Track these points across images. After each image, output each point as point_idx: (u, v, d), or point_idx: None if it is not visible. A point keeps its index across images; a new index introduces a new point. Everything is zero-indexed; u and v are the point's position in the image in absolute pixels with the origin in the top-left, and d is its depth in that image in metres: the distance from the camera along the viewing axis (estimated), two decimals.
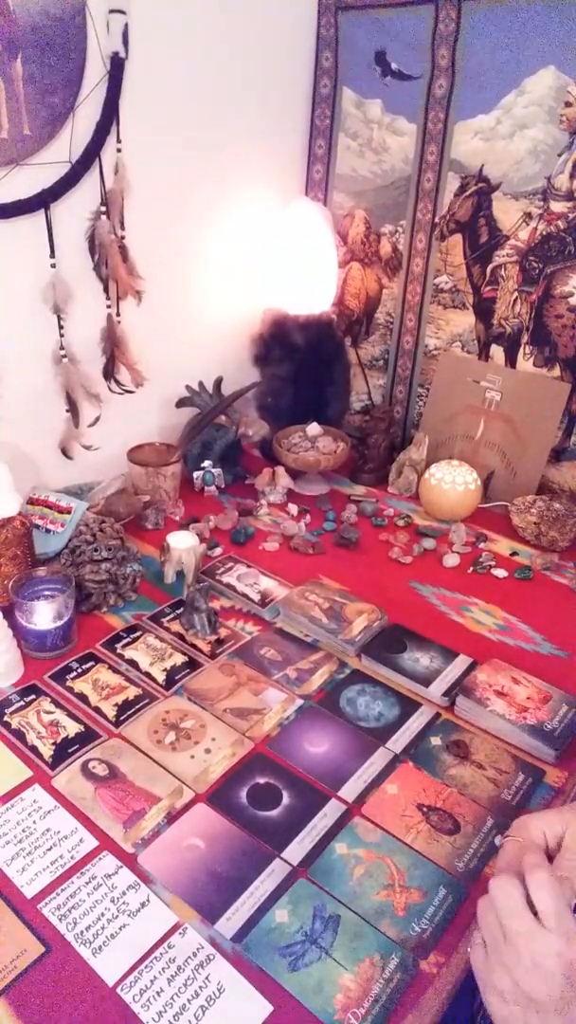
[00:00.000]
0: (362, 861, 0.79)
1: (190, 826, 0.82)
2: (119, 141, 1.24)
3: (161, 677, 1.03)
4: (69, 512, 1.26)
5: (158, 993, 0.68)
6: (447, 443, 1.55)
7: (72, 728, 0.94)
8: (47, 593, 1.07)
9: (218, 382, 1.54)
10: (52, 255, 1.23)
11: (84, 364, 1.36)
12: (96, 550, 1.14)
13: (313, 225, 1.50)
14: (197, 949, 0.71)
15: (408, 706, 1.00)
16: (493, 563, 1.30)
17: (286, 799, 0.86)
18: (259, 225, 1.56)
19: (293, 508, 1.46)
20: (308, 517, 1.43)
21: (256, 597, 1.19)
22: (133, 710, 0.97)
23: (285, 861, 0.79)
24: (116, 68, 1.18)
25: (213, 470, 1.50)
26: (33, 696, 0.99)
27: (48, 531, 1.25)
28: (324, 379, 1.58)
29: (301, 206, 1.51)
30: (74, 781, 0.87)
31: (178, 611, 1.16)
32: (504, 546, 1.37)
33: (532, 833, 0.67)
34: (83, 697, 0.99)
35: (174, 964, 0.70)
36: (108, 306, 1.35)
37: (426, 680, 1.03)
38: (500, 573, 1.28)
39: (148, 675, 1.03)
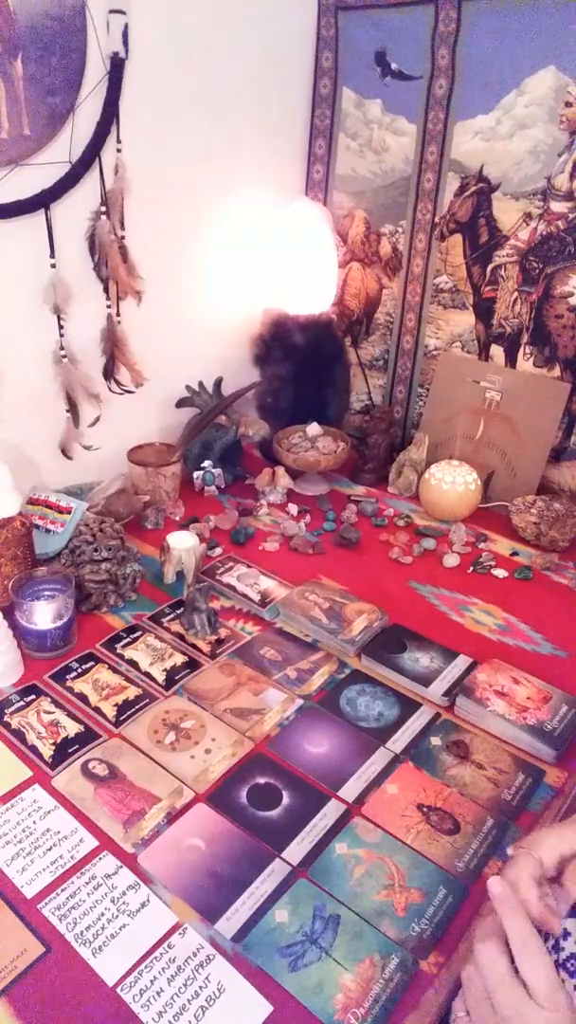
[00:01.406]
0: (362, 861, 0.79)
1: (190, 826, 0.82)
2: (119, 141, 1.24)
3: (161, 677, 1.03)
4: (69, 512, 1.26)
5: (158, 993, 0.68)
6: (447, 443, 1.55)
7: (72, 728, 0.94)
8: (47, 593, 1.07)
9: (218, 382, 1.54)
10: (52, 255, 1.23)
11: (84, 364, 1.36)
12: (96, 550, 1.14)
13: (313, 225, 1.50)
14: (197, 949, 0.71)
15: (408, 706, 1.00)
16: (493, 563, 1.30)
17: (286, 799, 0.86)
18: (259, 225, 1.56)
19: (293, 508, 1.46)
20: (308, 517, 1.44)
21: (256, 597, 1.19)
22: (133, 710, 0.97)
23: (285, 861, 0.79)
24: (116, 68, 1.18)
25: (213, 470, 1.50)
26: (33, 696, 0.99)
27: (48, 531, 1.25)
28: (324, 379, 1.58)
29: (301, 206, 1.51)
30: (74, 781, 0.87)
31: (178, 611, 1.16)
32: (504, 546, 1.37)
33: (544, 849, 0.65)
34: (83, 697, 0.99)
35: (174, 964, 0.70)
36: (108, 306, 1.35)
37: (426, 680, 1.03)
38: (500, 573, 1.28)
39: (148, 675, 1.03)
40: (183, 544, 1.19)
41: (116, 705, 0.98)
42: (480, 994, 0.58)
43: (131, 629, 1.12)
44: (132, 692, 1.00)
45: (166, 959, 0.70)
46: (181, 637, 1.11)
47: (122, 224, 1.29)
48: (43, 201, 1.18)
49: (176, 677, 1.03)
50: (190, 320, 1.53)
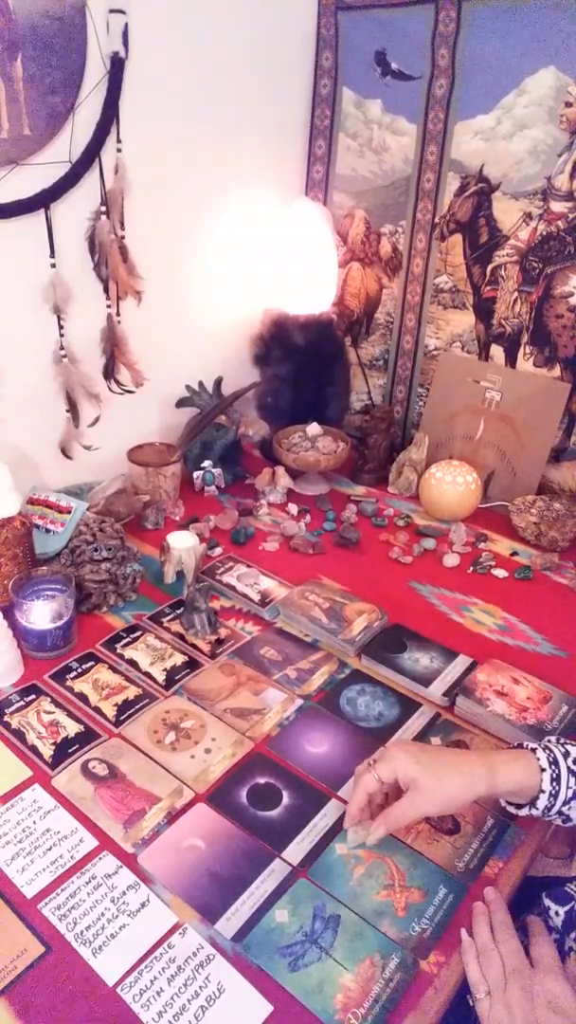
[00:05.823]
0: (362, 861, 0.79)
1: (190, 826, 0.82)
2: (119, 141, 1.24)
3: (161, 677, 1.03)
4: (69, 512, 1.26)
5: (158, 993, 0.68)
6: (447, 443, 1.55)
7: (72, 728, 0.94)
8: (47, 593, 1.07)
9: (218, 382, 1.54)
10: (52, 255, 1.23)
11: (84, 364, 1.36)
12: (96, 550, 1.14)
13: (313, 225, 1.50)
14: (197, 949, 0.71)
15: (408, 706, 1.00)
16: (493, 563, 1.30)
17: (286, 799, 0.86)
18: (259, 225, 1.56)
19: (293, 508, 1.46)
20: (308, 517, 1.43)
21: (256, 597, 1.19)
22: (133, 710, 0.97)
23: (285, 861, 0.79)
24: (116, 68, 1.18)
25: (213, 470, 1.50)
26: (33, 696, 0.99)
27: (48, 531, 1.25)
28: (324, 379, 1.58)
29: (301, 206, 1.51)
30: (74, 781, 0.87)
31: (178, 611, 1.16)
32: (504, 546, 1.37)
33: (382, 770, 0.78)
34: (83, 697, 0.99)
35: (174, 964, 0.70)
36: (108, 306, 1.34)
37: (426, 680, 1.03)
38: (500, 573, 1.28)
39: (148, 675, 1.03)
40: (183, 544, 1.19)
41: (116, 705, 0.98)
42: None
43: (131, 629, 1.12)
44: (132, 692, 1.00)
45: (166, 959, 0.70)
46: (181, 637, 1.11)
47: (122, 224, 1.29)
48: (43, 201, 1.18)
49: (176, 677, 1.03)
50: (190, 320, 1.53)
